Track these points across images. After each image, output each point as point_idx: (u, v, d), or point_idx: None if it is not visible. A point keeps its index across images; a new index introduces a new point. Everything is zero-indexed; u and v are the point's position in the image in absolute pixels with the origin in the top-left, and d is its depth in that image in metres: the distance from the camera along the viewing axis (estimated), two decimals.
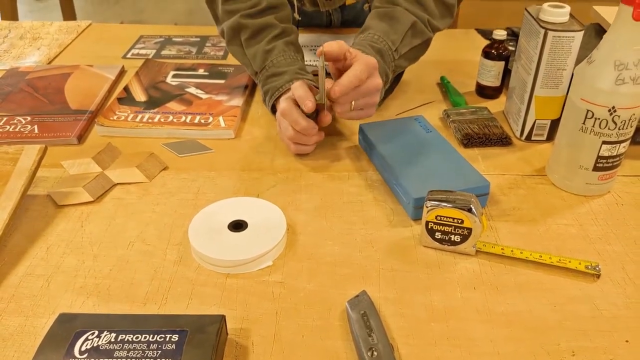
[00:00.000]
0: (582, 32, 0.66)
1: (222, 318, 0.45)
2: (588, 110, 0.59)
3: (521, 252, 0.55)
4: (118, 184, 0.67)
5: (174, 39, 1.08)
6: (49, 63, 0.99)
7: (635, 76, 0.56)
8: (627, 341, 0.47)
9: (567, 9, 0.67)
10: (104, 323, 0.44)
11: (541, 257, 0.54)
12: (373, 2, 0.80)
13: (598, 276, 0.53)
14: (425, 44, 0.79)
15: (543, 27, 0.66)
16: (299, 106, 0.66)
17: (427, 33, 0.77)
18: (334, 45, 0.64)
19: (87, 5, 4.05)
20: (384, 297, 0.51)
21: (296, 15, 0.88)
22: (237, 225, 0.57)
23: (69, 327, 0.44)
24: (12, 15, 2.36)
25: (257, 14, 0.77)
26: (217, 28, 0.82)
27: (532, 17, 0.69)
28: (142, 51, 1.03)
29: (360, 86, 0.65)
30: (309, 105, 0.65)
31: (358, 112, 0.69)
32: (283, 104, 0.68)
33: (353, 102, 0.66)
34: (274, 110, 0.76)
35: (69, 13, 2.88)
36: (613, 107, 0.57)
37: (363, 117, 0.70)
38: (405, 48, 0.75)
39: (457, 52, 1.02)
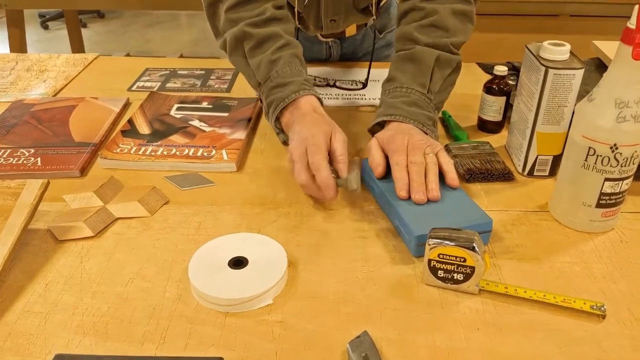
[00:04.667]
0: (583, 69, 0.66)
1: None
2: (590, 147, 0.59)
3: (525, 292, 0.54)
4: (119, 218, 0.66)
5: (179, 72, 1.09)
6: (55, 95, 1.00)
7: (636, 114, 0.56)
8: None
9: (568, 47, 0.68)
10: None
11: (545, 296, 0.53)
12: (395, 44, 0.80)
13: (603, 317, 0.52)
14: (456, 68, 0.77)
15: (544, 65, 0.67)
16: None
17: (454, 58, 0.76)
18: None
19: (95, 35, 4.13)
20: (386, 337, 0.50)
21: (296, 23, 0.88)
22: (238, 262, 0.57)
23: None
24: (21, 45, 2.40)
25: (262, 24, 0.77)
26: (218, 41, 0.81)
27: (533, 54, 0.70)
28: (148, 84, 1.04)
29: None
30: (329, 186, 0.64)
31: None
32: (298, 150, 0.65)
33: None
34: (277, 123, 0.75)
35: (76, 43, 2.93)
36: (615, 145, 0.57)
37: None
38: (437, 85, 0.74)
39: (459, 87, 1.02)
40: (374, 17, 0.89)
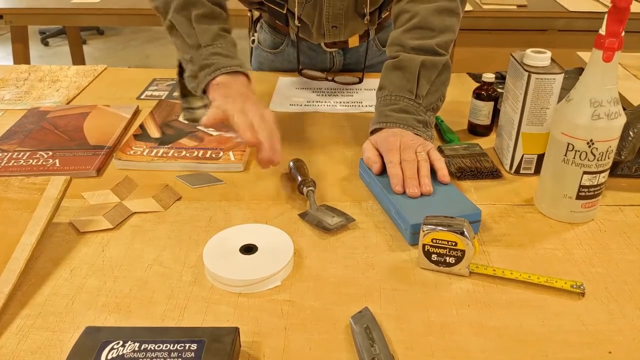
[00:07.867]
0: (562, 74, 0.72)
1: (236, 330, 0.49)
2: (569, 144, 0.65)
3: (511, 273, 0.59)
4: (135, 212, 0.71)
5: None
6: (68, 103, 1.05)
7: (609, 112, 0.62)
8: (610, 352, 0.50)
9: (548, 54, 0.74)
10: (128, 334, 0.48)
11: (530, 277, 0.58)
12: (387, 50, 0.85)
13: (582, 294, 0.57)
14: (444, 69, 0.80)
15: (527, 71, 0.73)
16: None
17: (440, 60, 0.79)
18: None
19: (95, 51, 4.19)
20: (385, 313, 0.55)
21: (296, 22, 0.97)
22: (248, 249, 0.62)
23: (95, 338, 0.48)
24: (25, 60, 2.46)
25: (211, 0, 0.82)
26: (153, 3, 0.84)
27: (517, 61, 0.76)
28: (156, 92, 1.10)
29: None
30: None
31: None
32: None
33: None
34: (205, 85, 0.79)
35: (78, 58, 2.99)
36: (591, 140, 0.63)
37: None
38: (424, 89, 0.79)
39: (451, 94, 1.08)
40: (367, 16, 0.95)
